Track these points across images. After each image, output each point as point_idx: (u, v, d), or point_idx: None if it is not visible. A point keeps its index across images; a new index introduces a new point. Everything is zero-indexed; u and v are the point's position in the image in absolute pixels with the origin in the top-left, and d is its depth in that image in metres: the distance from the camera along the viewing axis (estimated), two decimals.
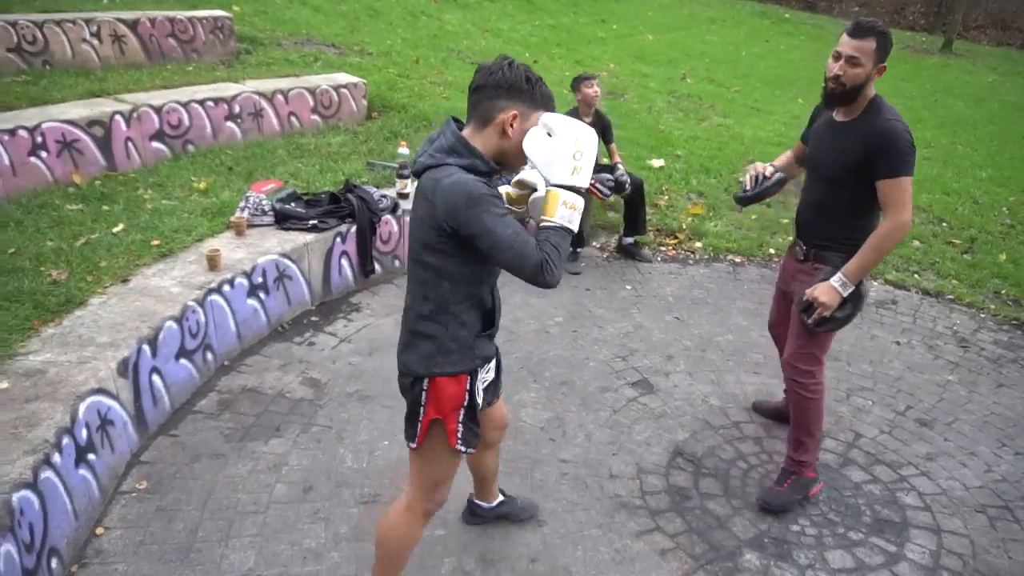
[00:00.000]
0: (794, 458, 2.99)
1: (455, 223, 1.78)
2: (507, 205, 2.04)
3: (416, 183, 1.94)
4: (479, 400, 2.08)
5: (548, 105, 1.88)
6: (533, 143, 1.81)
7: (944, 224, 6.26)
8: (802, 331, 2.85)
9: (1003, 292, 5.14)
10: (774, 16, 17.86)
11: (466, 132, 1.89)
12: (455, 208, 1.77)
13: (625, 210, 5.13)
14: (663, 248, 5.42)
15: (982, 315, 4.81)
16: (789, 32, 15.97)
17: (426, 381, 2.00)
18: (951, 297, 4.99)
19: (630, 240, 5.20)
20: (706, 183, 6.45)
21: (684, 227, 5.60)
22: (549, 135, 1.80)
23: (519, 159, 1.88)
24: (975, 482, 3.21)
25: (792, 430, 2.99)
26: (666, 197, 6.04)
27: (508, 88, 1.81)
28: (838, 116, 2.70)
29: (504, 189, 2.12)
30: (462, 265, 1.89)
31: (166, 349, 3.21)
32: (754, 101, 9.81)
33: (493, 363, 2.16)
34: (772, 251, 5.42)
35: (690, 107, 9.03)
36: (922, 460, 3.34)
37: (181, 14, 6.52)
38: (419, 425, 2.04)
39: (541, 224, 1.84)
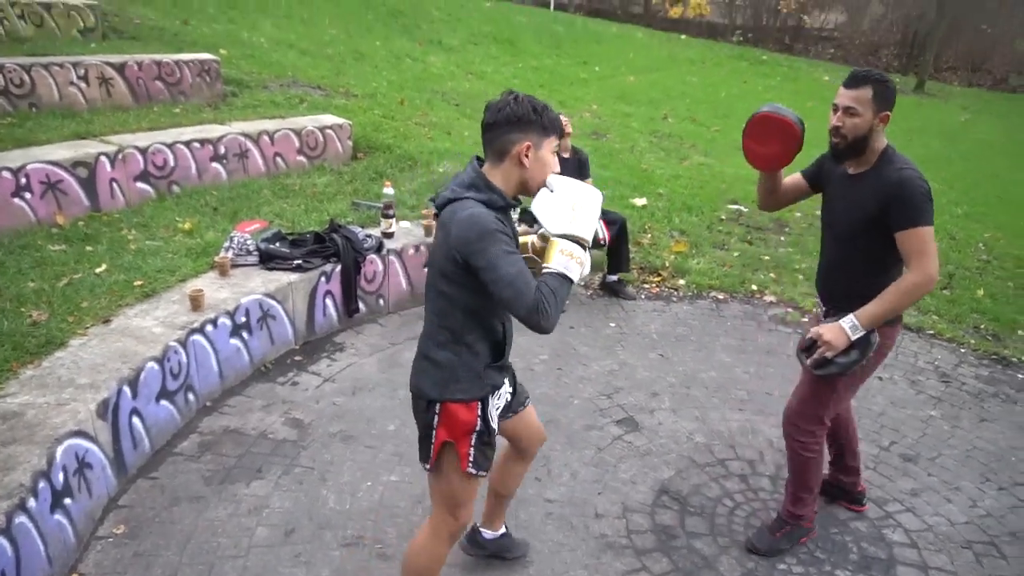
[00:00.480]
0: (792, 511, 2.93)
1: (464, 254, 1.89)
2: (531, 255, 2.16)
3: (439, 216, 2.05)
4: (493, 425, 2.14)
5: (557, 130, 1.99)
6: (537, 200, 1.95)
7: None
8: (808, 387, 2.74)
9: (982, 327, 5.21)
10: (752, 58, 18.27)
11: (486, 168, 2.00)
12: (466, 240, 1.87)
13: (608, 248, 5.18)
14: (646, 285, 5.46)
15: (962, 350, 4.86)
16: (766, 73, 16.34)
17: (438, 405, 2.08)
18: (932, 332, 5.05)
19: (614, 278, 5.25)
20: (688, 221, 6.54)
21: (667, 264, 5.65)
22: (551, 192, 1.94)
23: (540, 185, 1.99)
24: (960, 518, 3.22)
25: (790, 484, 2.93)
26: (649, 235, 6.10)
27: (517, 121, 1.92)
28: (851, 169, 2.64)
29: (531, 239, 2.21)
30: (473, 296, 1.97)
31: (147, 390, 3.17)
32: (734, 140, 9.95)
33: (506, 387, 2.23)
34: (754, 287, 5.47)
35: (671, 146, 9.19)
36: (907, 496, 3.34)
37: (168, 57, 6.59)
38: (432, 447, 2.11)
39: (542, 270, 1.93)
